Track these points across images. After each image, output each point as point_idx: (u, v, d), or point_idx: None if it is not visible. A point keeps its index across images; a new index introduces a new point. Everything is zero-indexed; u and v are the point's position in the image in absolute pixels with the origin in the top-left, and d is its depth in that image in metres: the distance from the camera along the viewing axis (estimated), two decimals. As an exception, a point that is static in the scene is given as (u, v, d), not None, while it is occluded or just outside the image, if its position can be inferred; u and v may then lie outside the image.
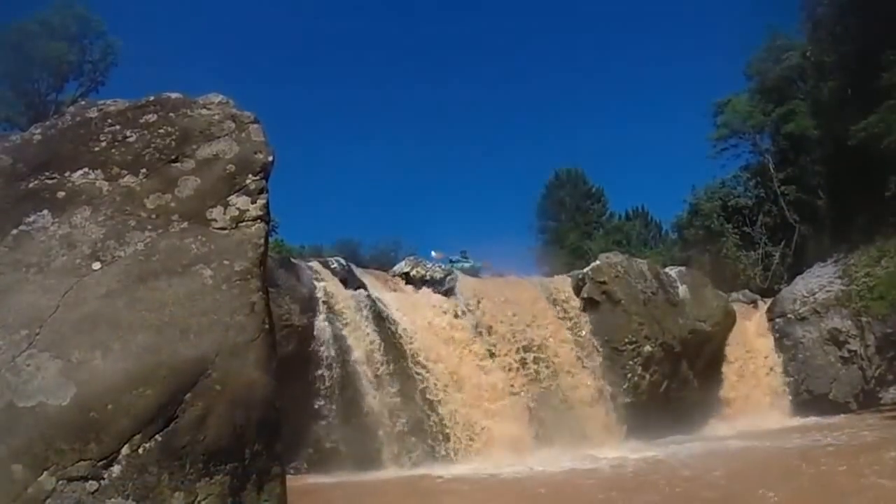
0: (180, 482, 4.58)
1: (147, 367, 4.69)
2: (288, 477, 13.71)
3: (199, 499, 4.63)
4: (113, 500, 4.40)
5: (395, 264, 20.82)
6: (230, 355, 4.87)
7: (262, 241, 5.49)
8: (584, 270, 22.21)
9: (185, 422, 4.65)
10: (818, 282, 23.36)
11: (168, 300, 5.05)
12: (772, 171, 30.77)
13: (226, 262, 5.28)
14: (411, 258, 20.65)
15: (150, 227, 5.44)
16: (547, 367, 19.61)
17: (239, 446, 4.83)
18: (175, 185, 5.71)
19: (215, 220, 5.54)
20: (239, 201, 5.63)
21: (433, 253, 19.94)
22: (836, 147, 26.12)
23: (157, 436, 4.56)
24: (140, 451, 4.51)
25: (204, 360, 4.79)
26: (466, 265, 18.69)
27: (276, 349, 5.33)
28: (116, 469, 4.45)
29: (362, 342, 16.89)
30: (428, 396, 17.22)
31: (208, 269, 5.24)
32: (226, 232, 5.49)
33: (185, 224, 5.49)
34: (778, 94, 30.93)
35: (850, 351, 21.85)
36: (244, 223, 5.52)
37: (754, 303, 25.57)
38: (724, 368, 23.70)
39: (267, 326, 5.17)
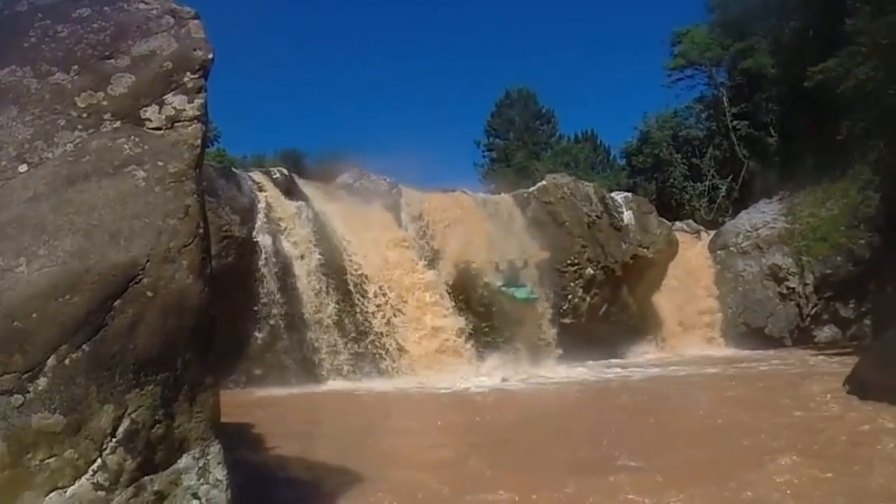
0: (109, 393, 4.37)
1: (74, 274, 4.43)
2: (227, 391, 13.68)
3: (129, 411, 4.44)
4: (39, 414, 4.19)
5: (338, 176, 20.45)
6: (162, 261, 4.63)
7: (199, 142, 5.19)
8: (530, 190, 22.23)
9: (115, 330, 4.42)
10: (762, 218, 23.65)
11: (98, 203, 4.76)
12: (725, 105, 30.82)
13: (160, 164, 4.99)
14: (355, 169, 20.30)
15: (80, 126, 5.09)
16: (488, 285, 19.65)
17: (170, 356, 4.62)
18: (108, 82, 5.33)
19: (150, 120, 5.21)
20: (175, 100, 5.29)
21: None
22: (791, 87, 26.17)
23: (84, 345, 4.33)
24: (67, 361, 4.28)
25: (135, 265, 4.54)
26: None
27: (211, 255, 5.09)
28: (42, 381, 4.23)
29: (303, 254, 16.69)
30: (369, 310, 17.15)
31: (141, 171, 4.94)
32: (161, 132, 5.18)
33: (118, 124, 5.16)
34: (738, 29, 30.72)
35: (788, 288, 22.29)
36: (180, 123, 5.21)
37: (698, 233, 25.87)
38: (664, 296, 24.04)
39: (202, 231, 4.91)
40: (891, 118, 17.68)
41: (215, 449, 4.92)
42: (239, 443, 8.44)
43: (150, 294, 4.53)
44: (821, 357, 18.09)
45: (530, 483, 7.48)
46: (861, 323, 21.15)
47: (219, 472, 4.90)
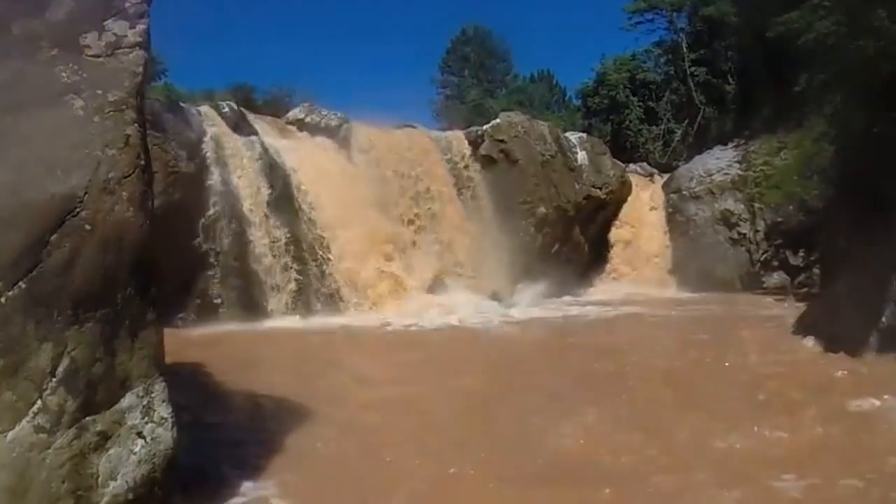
0: (48, 332, 4.23)
1: (9, 208, 4.24)
2: (175, 329, 13.65)
3: (68, 349, 4.31)
4: (-25, 356, 4.06)
5: (289, 111, 20.06)
6: (101, 192, 4.45)
7: (141, 69, 4.96)
8: (484, 127, 22.05)
9: (52, 265, 4.26)
10: (717, 164, 23.74)
11: (34, 134, 4.55)
12: (684, 50, 30.54)
13: (99, 93, 4.77)
14: (306, 105, 19.89)
15: (16, 54, 4.84)
16: (438, 222, 19.61)
17: (110, 291, 4.47)
18: (46, 7, 5.07)
19: (89, 47, 4.97)
20: (116, 26, 5.05)
21: None
22: (752, 37, 26.04)
23: (20, 282, 4.17)
24: (2, 300, 4.12)
25: (72, 197, 4.36)
26: None
27: (153, 187, 4.91)
28: (-24, 322, 4.08)
29: (252, 190, 16.44)
30: (318, 247, 17.00)
31: (79, 100, 4.73)
32: (100, 60, 4.94)
33: (56, 51, 4.90)
34: (701, -26, 30.43)
35: (739, 234, 22.50)
36: (121, 50, 4.97)
37: (651, 176, 25.91)
38: (616, 237, 24.20)
39: (143, 162, 4.73)
40: (850, 73, 17.73)
41: (159, 386, 4.82)
42: (185, 381, 8.33)
43: (88, 227, 4.37)
44: (769, 302, 18.34)
45: (481, 420, 7.51)
46: (810, 272, 21.43)
47: (163, 410, 4.81)
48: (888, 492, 5.29)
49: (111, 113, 4.71)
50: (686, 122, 29.95)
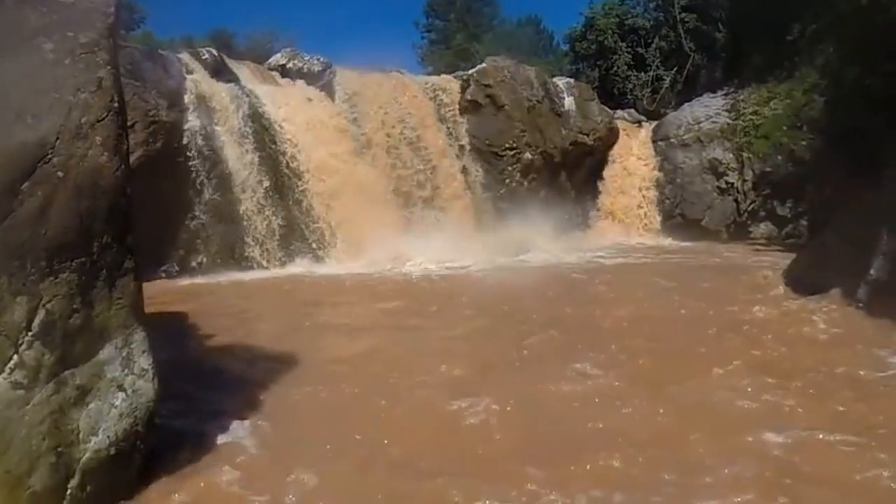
0: (22, 284, 4.11)
1: (-23, 157, 4.08)
2: (159, 281, 13.55)
3: (43, 301, 4.19)
4: (-55, 311, 3.93)
5: (271, 57, 19.70)
6: (73, 137, 4.29)
7: (113, 9, 4.77)
8: (470, 72, 21.77)
9: (24, 215, 4.11)
10: (705, 112, 23.54)
11: (1, 79, 4.37)
12: (675, -5, 30.15)
13: (69, 35, 4.58)
14: (288, 50, 19.53)
15: (-19, -3, 4.65)
16: (424, 168, 19.46)
17: (86, 239, 4.33)
18: (13, -52, 4.86)
19: (59, -13, 4.77)
20: (86, -35, 4.84)
21: None
22: (745, -16, 25.81)
23: (-8, 234, 4.03)
24: (-27, 253, 3.99)
25: (43, 143, 4.20)
26: None
27: (127, 131, 4.73)
28: (-54, 276, 3.95)
29: (234, 138, 16.19)
30: (301, 195, 16.84)
31: (49, 43, 4.54)
32: (70, 0, 4.75)
33: (24, -8, 4.72)
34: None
35: (727, 183, 22.40)
36: (92, -11, 4.77)
37: (639, 123, 25.68)
38: (603, 184, 24.08)
39: (116, 105, 4.56)
40: (843, 24, 17.64)
41: (139, 337, 4.72)
42: (168, 332, 8.24)
43: (60, 174, 4.22)
44: (756, 251, 18.35)
45: (468, 371, 7.44)
46: (797, 223, 21.44)
47: (144, 361, 4.72)
48: (876, 450, 5.24)
49: (83, 55, 4.53)
50: (675, 69, 29.63)
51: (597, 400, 6.38)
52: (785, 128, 21.52)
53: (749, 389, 6.50)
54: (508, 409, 6.13)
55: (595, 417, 5.94)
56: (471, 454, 5.31)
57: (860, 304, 9.51)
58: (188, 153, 15.48)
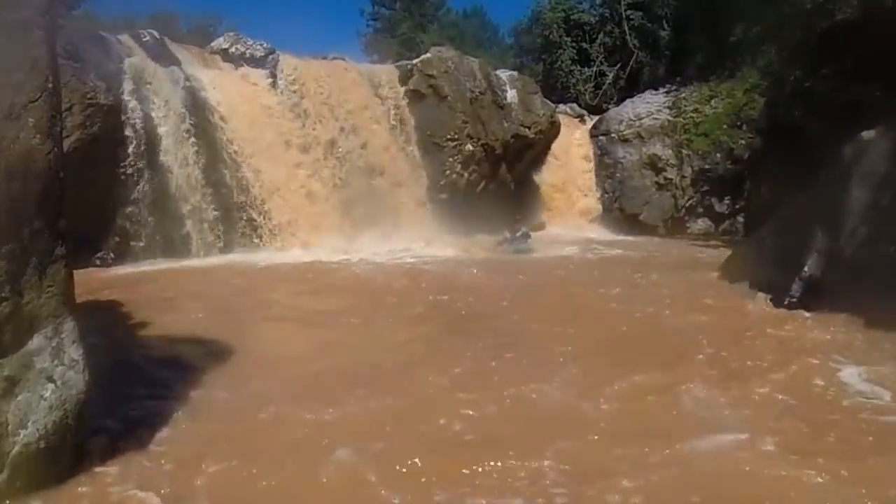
0: (-51, 270, 3.94)
1: None
2: (93, 269, 13.22)
3: (-30, 288, 4.03)
4: None
5: (213, 40, 19.32)
6: (5, 118, 4.12)
7: (49, -15, 4.59)
8: (414, 62, 21.64)
9: (-49, 198, 3.94)
10: (647, 108, 23.85)
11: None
12: (621, -7, 30.41)
13: (3, 12, 4.39)
14: (231, 34, 19.16)
15: None
16: (366, 157, 19.33)
17: (16, 225, 4.17)
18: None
19: (-8, -39, 4.57)
20: (21, -63, 4.64)
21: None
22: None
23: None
24: None
25: (-28, 124, 4.02)
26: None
27: (61, 113, 4.56)
28: None
29: (174, 123, 15.87)
30: (241, 182, 16.59)
31: (-19, 19, 4.34)
32: (4, -26, 4.55)
33: (-46, -35, 4.50)
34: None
35: (666, 179, 22.73)
36: (27, -35, 4.58)
37: (581, 118, 25.93)
38: (543, 176, 24.22)
39: (51, 86, 4.38)
40: (786, 27, 18.01)
41: (69, 326, 4.56)
42: (101, 321, 8.04)
43: (-10, 156, 4.05)
44: (694, 247, 18.61)
45: (402, 359, 7.41)
46: (734, 219, 21.90)
47: (74, 352, 4.57)
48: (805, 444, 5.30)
49: (17, 33, 4.35)
50: (618, 65, 29.96)
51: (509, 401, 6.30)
52: (725, 126, 21.93)
53: (682, 387, 6.50)
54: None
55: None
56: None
57: (794, 300, 9.71)
58: (126, 138, 15.13)
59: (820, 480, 4.69)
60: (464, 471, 4.83)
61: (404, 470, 4.86)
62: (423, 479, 4.74)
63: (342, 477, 4.79)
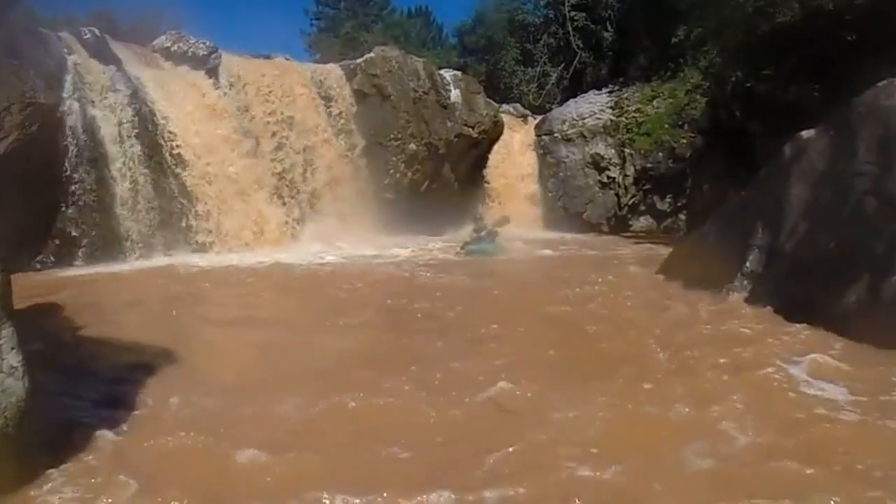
0: None
1: None
2: (33, 273, 12.96)
3: None
4: None
5: (155, 39, 19.02)
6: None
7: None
8: (357, 61, 21.65)
9: None
10: (590, 108, 24.17)
11: None
12: (565, -6, 30.61)
13: (-65, 8, 4.28)
14: (173, 32, 18.86)
15: None
16: (308, 157, 19.31)
17: (-50, 231, 4.07)
18: None
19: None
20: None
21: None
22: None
23: None
24: None
25: None
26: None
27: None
28: None
29: (114, 123, 15.62)
30: (182, 183, 16.40)
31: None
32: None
33: None
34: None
35: (609, 177, 23.09)
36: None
37: (524, 118, 26.13)
38: (486, 176, 24.41)
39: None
40: (727, 29, 18.41)
41: (7, 332, 4.43)
42: (41, 326, 7.86)
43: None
44: (635, 244, 18.86)
45: (348, 359, 7.37)
46: (676, 217, 22.30)
47: (13, 359, 4.44)
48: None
49: (-51, 31, 4.25)
50: (562, 66, 30.22)
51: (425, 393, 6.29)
52: (667, 126, 22.31)
53: (620, 381, 6.56)
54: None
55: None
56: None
57: (736, 294, 9.89)
58: (65, 138, 14.83)
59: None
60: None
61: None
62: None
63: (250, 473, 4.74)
